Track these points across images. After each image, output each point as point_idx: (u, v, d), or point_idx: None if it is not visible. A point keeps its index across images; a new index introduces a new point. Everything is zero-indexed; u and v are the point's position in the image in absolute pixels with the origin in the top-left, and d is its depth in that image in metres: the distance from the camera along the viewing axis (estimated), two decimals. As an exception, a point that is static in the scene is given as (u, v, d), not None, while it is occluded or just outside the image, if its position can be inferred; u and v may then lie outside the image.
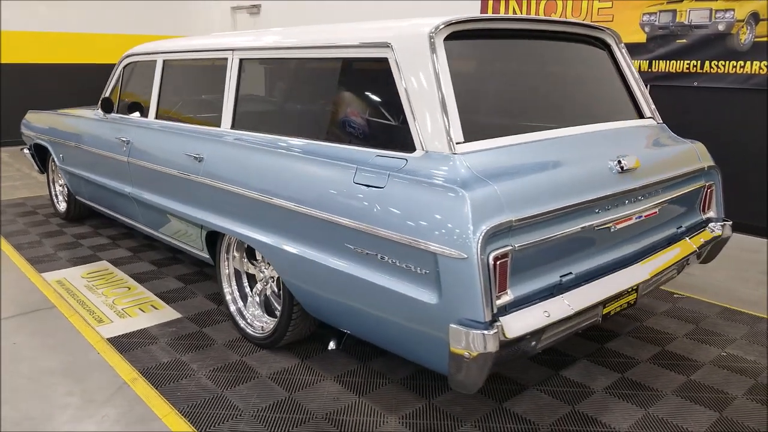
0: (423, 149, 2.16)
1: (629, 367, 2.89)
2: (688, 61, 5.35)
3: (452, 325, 1.92)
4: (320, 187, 2.39)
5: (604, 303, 2.41)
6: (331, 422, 2.43)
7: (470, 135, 2.18)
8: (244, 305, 3.13)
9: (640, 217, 2.52)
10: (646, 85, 5.68)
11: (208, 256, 3.27)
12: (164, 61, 3.62)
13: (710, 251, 3.13)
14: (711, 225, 3.09)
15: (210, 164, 3.00)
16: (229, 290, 3.16)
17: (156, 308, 3.45)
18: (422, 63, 2.19)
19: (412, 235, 2.03)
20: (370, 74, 2.49)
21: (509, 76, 2.63)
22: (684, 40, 5.36)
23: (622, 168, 2.41)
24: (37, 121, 5.13)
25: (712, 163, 3.02)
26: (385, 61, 2.31)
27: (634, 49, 5.67)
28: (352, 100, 2.53)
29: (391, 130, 2.31)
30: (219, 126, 3.10)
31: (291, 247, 2.55)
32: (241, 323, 3.10)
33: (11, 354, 2.94)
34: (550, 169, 2.23)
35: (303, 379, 2.74)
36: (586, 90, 2.89)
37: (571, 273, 2.26)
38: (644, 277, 2.57)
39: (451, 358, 1.95)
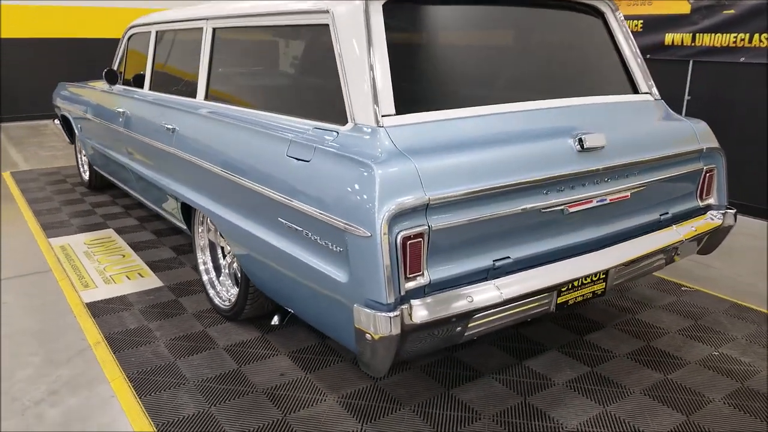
0: (353, 121, 2.07)
1: (602, 361, 2.70)
2: (735, 34, 4.90)
3: (356, 305, 1.84)
4: (257, 159, 2.35)
5: (558, 290, 2.25)
6: (270, 396, 2.41)
7: (406, 107, 2.06)
8: (217, 277, 3.15)
9: (603, 200, 2.32)
10: (687, 61, 5.29)
11: (185, 227, 3.31)
12: (156, 32, 3.66)
13: (709, 241, 2.86)
14: (711, 213, 2.82)
15: (179, 135, 3.02)
16: (203, 260, 3.19)
17: (142, 276, 3.54)
18: (356, 28, 2.08)
19: (327, 211, 1.96)
20: (313, 42, 2.41)
21: (465, 45, 2.47)
22: (732, 11, 4.90)
23: (582, 146, 2.22)
24: (63, 93, 5.34)
25: (714, 145, 2.74)
26: (325, 27, 2.22)
27: (676, 22, 5.25)
28: (295, 70, 2.46)
29: (329, 101, 2.23)
30: (195, 97, 3.11)
31: (236, 220, 2.53)
32: (211, 293, 3.12)
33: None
34: (490, 146, 2.07)
35: (257, 352, 2.73)
36: (562, 61, 2.68)
37: (508, 257, 2.11)
38: (612, 263, 2.38)
39: (357, 339, 1.88)
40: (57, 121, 5.61)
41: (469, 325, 2.04)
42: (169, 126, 3.10)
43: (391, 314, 1.78)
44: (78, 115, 4.85)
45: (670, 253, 2.67)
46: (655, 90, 2.83)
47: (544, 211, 2.15)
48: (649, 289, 3.46)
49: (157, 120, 3.26)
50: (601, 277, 2.42)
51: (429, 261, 1.92)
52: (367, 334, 1.81)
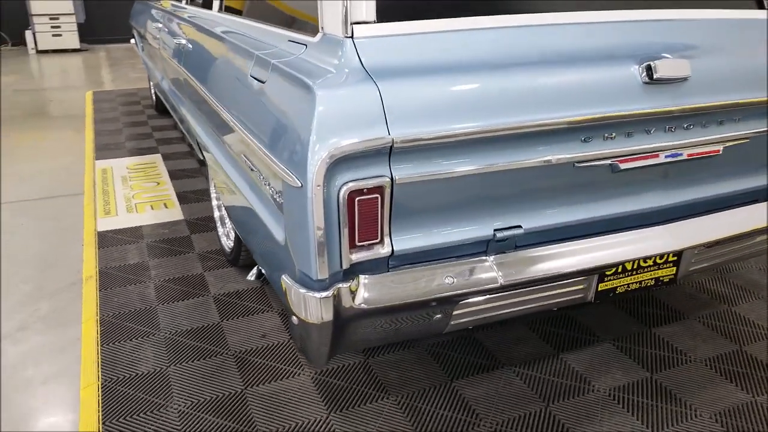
0: (322, 31, 1.55)
1: (669, 365, 2.07)
2: None
3: (284, 277, 1.38)
4: (225, 80, 1.91)
5: (601, 274, 1.66)
6: (238, 362, 2.06)
7: (392, 13, 1.50)
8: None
9: (676, 155, 1.64)
10: None
11: (203, 158, 2.99)
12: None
13: None
14: None
15: (187, 52, 2.64)
16: (216, 195, 2.87)
17: (166, 207, 3.31)
18: None
19: (268, 148, 1.49)
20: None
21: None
22: None
23: (650, 76, 1.55)
24: (134, 10, 5.17)
25: None
26: None
27: None
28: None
29: (307, 6, 1.71)
30: (210, 9, 2.70)
31: (213, 150, 2.15)
32: (220, 231, 2.80)
33: (11, 233, 3.00)
34: (503, 70, 1.47)
35: (247, 306, 2.39)
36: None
37: (518, 227, 1.53)
38: (688, 242, 1.72)
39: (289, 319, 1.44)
40: (133, 41, 5.51)
41: (455, 313, 1.52)
42: (181, 41, 2.73)
43: (319, 295, 1.31)
44: (139, 32, 4.67)
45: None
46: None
47: (579, 165, 1.53)
48: (759, 271, 2.68)
49: (174, 35, 2.91)
50: (671, 259, 1.78)
51: (394, 225, 1.41)
52: (293, 317, 1.36)
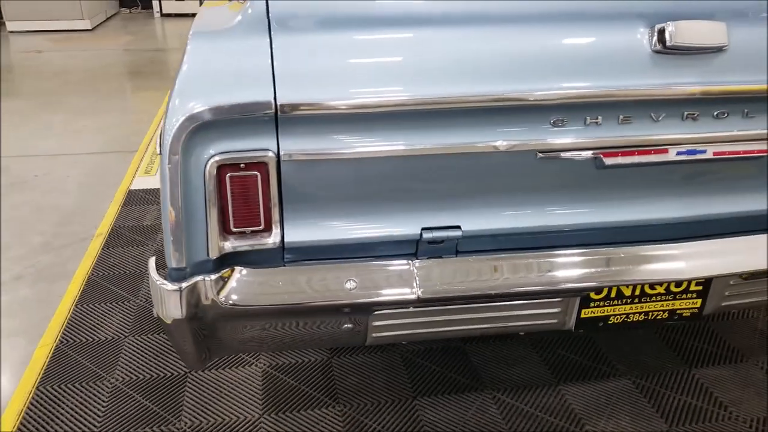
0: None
1: (699, 420, 1.63)
2: None
3: (150, 260, 1.18)
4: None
5: (582, 298, 1.30)
6: (198, 342, 1.92)
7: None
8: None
9: (698, 152, 1.21)
10: None
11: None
12: None
13: None
14: None
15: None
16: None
17: (204, 171, 3.25)
18: None
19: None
20: None
21: None
22: None
23: (663, 42, 1.14)
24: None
25: None
26: None
27: None
28: None
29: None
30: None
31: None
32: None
33: (53, 187, 3.08)
34: (445, 27, 1.14)
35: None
36: None
37: (456, 228, 1.20)
38: (716, 269, 1.31)
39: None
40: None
41: (376, 324, 1.24)
42: None
43: (171, 287, 1.09)
44: None
45: None
46: None
47: (545, 156, 1.17)
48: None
49: None
50: (693, 289, 1.36)
51: (288, 212, 1.15)
52: (153, 309, 1.16)
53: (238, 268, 1.13)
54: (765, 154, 1.23)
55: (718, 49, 1.17)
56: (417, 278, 1.17)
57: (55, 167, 3.30)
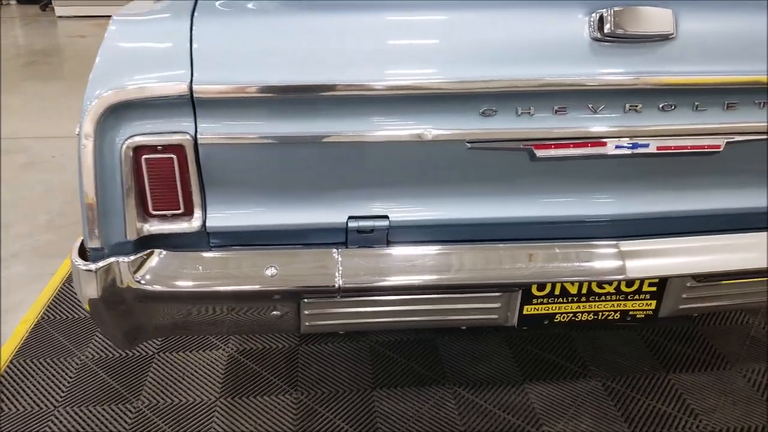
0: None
1: (665, 429, 1.56)
2: None
3: (76, 243, 1.20)
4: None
5: (524, 294, 1.26)
6: (171, 324, 1.96)
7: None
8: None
9: (640, 145, 1.14)
10: None
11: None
12: None
13: None
14: None
15: None
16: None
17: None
18: None
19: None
20: None
21: None
22: None
23: (602, 30, 1.08)
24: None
25: None
26: None
27: None
28: None
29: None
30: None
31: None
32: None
33: (74, 166, 3.18)
34: (370, 10, 1.11)
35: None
36: None
37: (384, 217, 1.17)
38: (673, 268, 1.24)
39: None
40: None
41: (308, 313, 1.23)
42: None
43: (84, 266, 1.10)
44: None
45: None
46: None
47: (474, 147, 1.12)
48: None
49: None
50: (646, 290, 1.30)
51: (210, 196, 1.14)
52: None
53: (157, 251, 1.14)
54: (717, 149, 1.15)
55: (664, 38, 1.09)
56: (340, 267, 1.15)
57: (74, 149, 3.40)
